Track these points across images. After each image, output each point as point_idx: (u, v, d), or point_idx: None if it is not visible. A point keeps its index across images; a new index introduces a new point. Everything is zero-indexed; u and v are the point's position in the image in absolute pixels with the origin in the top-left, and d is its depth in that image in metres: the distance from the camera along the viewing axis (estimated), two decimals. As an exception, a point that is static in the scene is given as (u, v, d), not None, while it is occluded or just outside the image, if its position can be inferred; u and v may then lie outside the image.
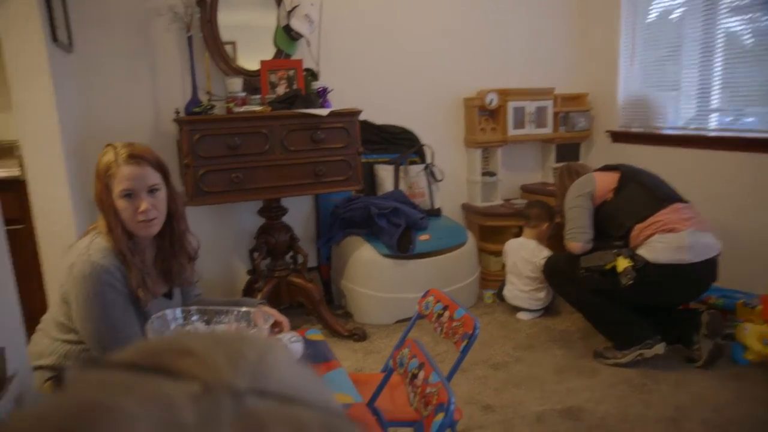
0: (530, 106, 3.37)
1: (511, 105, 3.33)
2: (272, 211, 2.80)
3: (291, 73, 2.84)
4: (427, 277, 2.81)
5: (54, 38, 2.22)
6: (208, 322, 1.46)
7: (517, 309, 2.99)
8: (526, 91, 3.37)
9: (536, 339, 2.71)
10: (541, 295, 2.94)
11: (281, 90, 2.79)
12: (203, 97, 2.74)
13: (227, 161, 2.48)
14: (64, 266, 1.51)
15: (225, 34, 2.86)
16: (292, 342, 1.28)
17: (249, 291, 2.94)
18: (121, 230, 1.53)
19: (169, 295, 1.66)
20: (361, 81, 3.17)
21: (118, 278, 1.50)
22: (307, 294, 2.83)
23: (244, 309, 1.46)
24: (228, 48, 2.90)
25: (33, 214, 2.14)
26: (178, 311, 1.44)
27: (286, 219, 2.87)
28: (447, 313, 1.59)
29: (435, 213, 3.22)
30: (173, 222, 1.63)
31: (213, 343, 0.29)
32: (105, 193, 1.52)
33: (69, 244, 1.55)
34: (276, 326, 1.57)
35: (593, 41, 3.59)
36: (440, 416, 1.07)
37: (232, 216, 3.08)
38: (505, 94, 3.32)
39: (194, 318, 1.45)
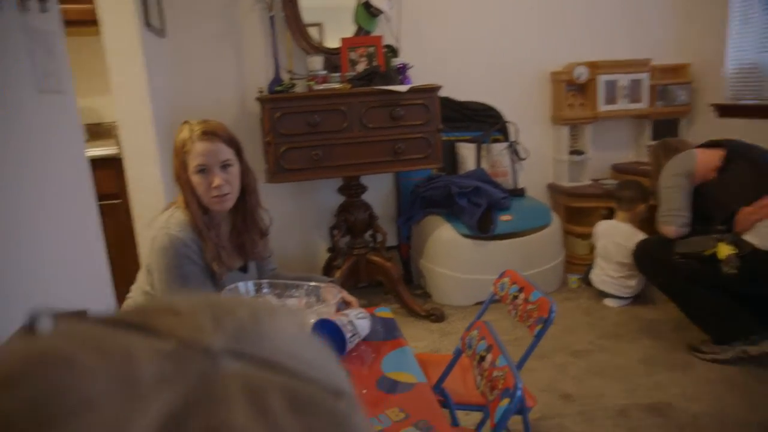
0: (623, 80, 3.14)
1: (602, 79, 3.11)
2: (352, 189, 2.82)
3: (371, 50, 2.82)
4: (509, 258, 2.72)
5: (147, 23, 2.33)
6: (279, 296, 1.48)
7: (605, 295, 2.83)
8: (619, 63, 3.14)
9: (623, 328, 2.56)
10: (632, 282, 2.76)
11: (361, 67, 2.78)
12: (285, 76, 2.79)
13: (307, 139, 2.51)
14: (148, 239, 1.60)
15: (307, 16, 2.89)
16: (358, 318, 1.28)
17: (328, 268, 3.00)
18: (197, 205, 1.59)
19: (244, 269, 1.71)
20: (442, 56, 3.09)
21: (195, 251, 1.56)
22: (386, 272, 2.83)
23: (313, 284, 1.48)
24: (314, 30, 2.92)
25: (128, 190, 2.29)
26: (250, 284, 1.47)
27: (365, 197, 2.88)
28: (522, 296, 1.52)
29: (518, 193, 3.10)
30: (246, 197, 1.67)
31: (205, 305, 0.28)
32: (181, 169, 1.58)
33: (151, 218, 1.62)
34: (346, 305, 1.58)
35: (696, 5, 3.28)
36: (505, 401, 1.02)
37: (314, 194, 3.13)
38: (595, 67, 3.11)
39: (265, 291, 1.48)
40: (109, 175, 2.36)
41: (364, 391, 1.10)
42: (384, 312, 1.47)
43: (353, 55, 2.83)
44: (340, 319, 1.24)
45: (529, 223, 2.87)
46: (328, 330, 1.23)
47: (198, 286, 1.53)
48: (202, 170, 1.55)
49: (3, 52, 1.07)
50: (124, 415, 0.20)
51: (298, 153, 2.53)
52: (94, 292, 1.45)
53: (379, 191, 3.16)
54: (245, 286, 1.46)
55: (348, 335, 1.21)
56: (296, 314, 0.32)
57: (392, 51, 2.90)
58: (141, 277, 1.66)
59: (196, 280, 1.55)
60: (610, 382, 2.11)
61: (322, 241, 3.20)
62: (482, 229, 2.77)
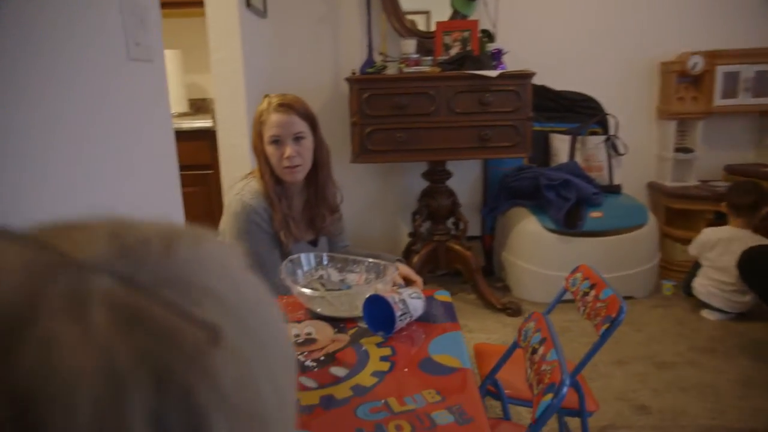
0: (747, 71, 2.83)
1: (721, 70, 2.83)
2: (436, 175, 2.79)
3: (465, 34, 2.76)
4: (596, 257, 2.56)
5: (247, 4, 2.44)
6: (340, 270, 1.50)
7: (704, 306, 2.59)
8: (744, 52, 2.83)
9: (720, 343, 2.33)
10: (746, 298, 2.47)
11: (455, 52, 2.73)
12: (378, 59, 2.80)
13: (393, 121, 2.52)
14: (225, 204, 1.68)
15: (412, 4, 2.88)
16: (411, 297, 1.26)
17: (407, 253, 2.99)
18: (270, 175, 1.64)
19: (314, 243, 1.75)
20: (541, 43, 2.96)
21: (265, 219, 1.62)
22: (464, 261, 2.79)
23: (372, 260, 1.48)
24: (420, 18, 2.92)
25: (219, 161, 2.42)
26: (311, 256, 1.50)
27: (450, 184, 2.84)
28: (593, 292, 1.43)
29: (613, 189, 2.91)
30: (318, 171, 1.70)
31: (113, 224, 0.28)
32: (258, 140, 1.64)
33: (230, 185, 1.70)
34: (409, 283, 1.57)
35: None
36: (548, 397, 0.96)
37: (399, 178, 3.14)
38: (713, 57, 2.83)
39: (326, 263, 1.50)
40: (204, 146, 2.51)
41: (405, 370, 1.09)
42: (443, 296, 1.45)
43: (447, 40, 2.79)
44: (392, 296, 1.23)
45: (622, 221, 2.69)
46: (379, 306, 1.22)
47: (264, 253, 1.59)
48: (276, 141, 1.60)
49: (97, 20, 1.16)
50: None
51: (383, 135, 2.54)
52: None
53: (465, 179, 3.10)
54: (306, 258, 1.49)
55: (398, 313, 1.20)
56: (233, 248, 0.32)
57: (488, 36, 2.82)
58: (222, 244, 1.74)
59: (264, 247, 1.61)
60: (694, 400, 1.93)
61: (404, 225, 3.20)
62: (569, 224, 2.64)
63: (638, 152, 3.04)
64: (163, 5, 2.62)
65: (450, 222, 2.89)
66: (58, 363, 0.20)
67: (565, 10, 2.97)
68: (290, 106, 1.62)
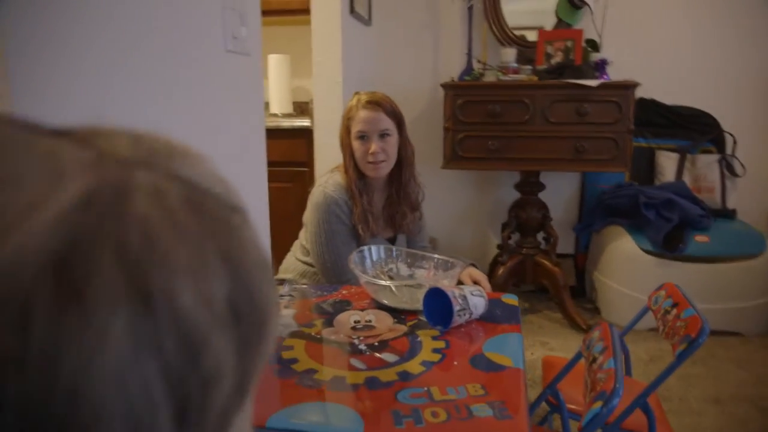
0: None
1: None
2: (528, 186, 2.72)
3: (569, 44, 2.68)
4: (697, 284, 2.36)
5: (351, 11, 2.54)
6: (410, 265, 1.52)
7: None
8: None
9: (841, 393, 2.05)
10: None
11: (556, 62, 2.66)
12: (477, 67, 2.80)
13: (486, 128, 2.50)
14: (309, 196, 1.75)
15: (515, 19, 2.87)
16: (473, 294, 1.24)
17: (494, 264, 2.94)
18: (354, 169, 1.69)
19: (392, 240, 1.77)
20: (651, 54, 2.80)
21: (345, 211, 1.67)
22: (552, 277, 2.68)
23: (442, 257, 1.48)
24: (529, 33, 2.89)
25: (315, 159, 2.53)
26: (382, 249, 1.53)
27: (544, 197, 2.76)
28: (674, 311, 1.33)
29: (726, 214, 2.68)
30: (402, 169, 1.73)
31: (125, 130, 0.31)
32: (345, 134, 1.70)
33: (317, 178, 1.78)
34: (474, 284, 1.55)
35: None
36: (598, 404, 0.91)
37: (492, 188, 3.10)
38: None
39: (396, 257, 1.53)
40: (301, 144, 2.64)
41: (455, 363, 1.08)
42: (510, 299, 1.41)
43: (549, 49, 2.72)
44: (452, 291, 1.22)
45: (732, 248, 2.47)
46: (439, 299, 1.22)
47: (341, 245, 1.65)
48: (362, 137, 1.66)
49: (199, 12, 1.27)
50: (45, 191, 0.22)
51: (474, 141, 2.53)
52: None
53: (560, 193, 2.99)
54: (377, 250, 1.52)
55: (456, 308, 1.20)
56: (207, 158, 0.35)
57: (593, 46, 2.72)
58: (301, 233, 1.83)
59: (341, 239, 1.66)
60: (800, 450, 1.72)
61: (494, 236, 3.15)
62: (669, 246, 2.46)
63: (758, 175, 2.77)
64: (275, 12, 2.82)
65: (540, 236, 2.80)
66: (156, 240, 0.23)
67: (678, 20, 2.79)
68: (378, 103, 1.67)
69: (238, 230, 0.28)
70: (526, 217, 2.72)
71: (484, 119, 2.49)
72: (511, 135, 2.48)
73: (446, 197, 3.14)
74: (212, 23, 1.32)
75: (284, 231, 1.85)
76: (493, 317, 1.29)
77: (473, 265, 1.66)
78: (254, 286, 0.26)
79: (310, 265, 1.76)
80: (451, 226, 3.18)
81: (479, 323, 1.26)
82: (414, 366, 1.07)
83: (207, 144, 1.32)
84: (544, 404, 1.41)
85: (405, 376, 1.03)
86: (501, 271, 2.69)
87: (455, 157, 2.56)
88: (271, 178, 2.60)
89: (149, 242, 0.22)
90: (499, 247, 2.98)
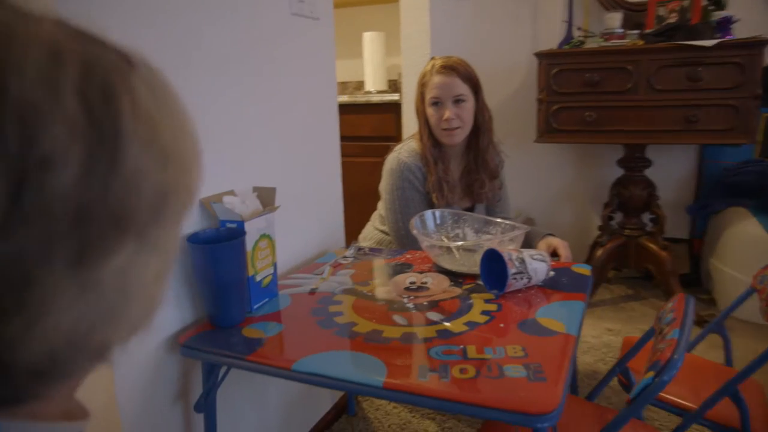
0: None
1: None
2: (633, 162, 2.49)
3: (685, 3, 2.40)
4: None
5: (443, -21, 2.48)
6: (477, 231, 1.46)
7: None
8: None
9: None
10: None
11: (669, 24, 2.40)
12: (577, 34, 2.61)
13: (582, 98, 2.33)
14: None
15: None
16: (533, 258, 1.16)
17: (594, 246, 2.74)
18: (428, 136, 1.65)
19: (470, 210, 1.71)
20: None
21: (418, 178, 1.63)
22: (658, 262, 2.45)
23: (509, 222, 1.40)
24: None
25: (403, 133, 2.51)
26: (447, 213, 1.48)
27: (652, 175, 2.52)
28: (779, 290, 1.14)
29: None
30: (479, 136, 1.66)
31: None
32: (420, 101, 1.66)
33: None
34: (554, 254, 1.45)
35: None
36: (649, 375, 0.80)
37: (594, 165, 2.89)
38: None
39: (461, 221, 1.47)
40: (390, 119, 2.63)
41: (501, 325, 1.01)
42: (581, 268, 1.30)
43: (662, 11, 2.46)
44: (508, 253, 1.15)
45: None
46: (496, 262, 1.15)
47: (417, 211, 1.61)
48: (436, 103, 1.61)
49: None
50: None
51: (570, 113, 2.36)
52: (332, 225, 1.66)
53: (670, 170, 2.72)
54: (441, 214, 1.47)
55: (512, 270, 1.12)
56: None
57: (716, 3, 2.41)
58: (379, 203, 1.82)
59: (416, 206, 1.63)
60: None
61: (596, 216, 2.93)
62: (800, 229, 2.13)
63: None
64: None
65: (647, 217, 2.56)
66: (19, 38, 0.26)
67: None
68: (453, 68, 1.62)
69: (125, 76, 0.29)
70: (629, 196, 2.49)
71: (580, 89, 2.32)
72: (610, 105, 2.29)
73: (544, 174, 2.98)
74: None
75: (374, 205, 1.85)
76: (558, 285, 1.20)
77: (550, 234, 1.55)
78: (111, 95, 0.28)
79: (387, 233, 1.75)
80: (549, 206, 3.02)
81: (540, 289, 1.18)
82: (457, 325, 1.02)
83: (273, 111, 1.35)
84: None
85: (444, 334, 0.98)
86: (599, 252, 2.50)
87: (549, 129, 2.41)
88: (361, 152, 2.63)
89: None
90: (600, 228, 2.77)
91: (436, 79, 1.61)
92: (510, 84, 2.95)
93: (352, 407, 1.68)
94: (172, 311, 1.05)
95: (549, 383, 0.79)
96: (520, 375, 0.82)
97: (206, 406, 1.05)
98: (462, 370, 0.85)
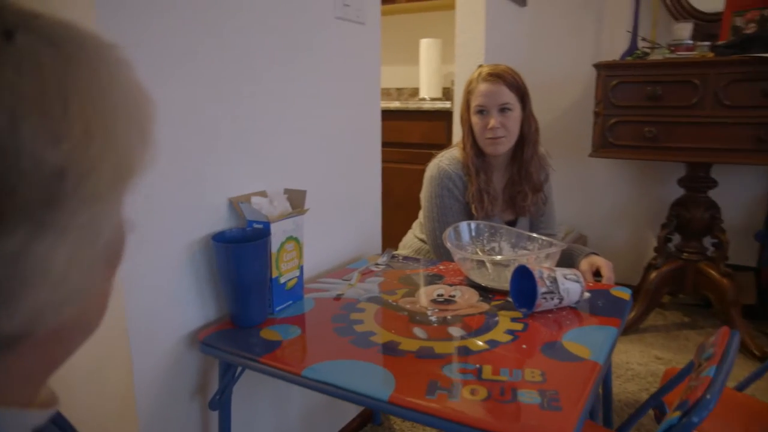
0: None
1: None
2: (696, 181, 2.35)
3: (766, 13, 2.25)
4: None
5: (501, -12, 2.43)
6: (513, 246, 1.41)
7: None
8: None
9: None
10: None
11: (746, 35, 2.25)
12: (642, 45, 2.49)
13: (642, 113, 2.21)
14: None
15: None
16: (567, 278, 1.10)
17: (647, 268, 2.60)
18: (472, 145, 1.61)
19: (512, 224, 1.65)
20: None
21: (458, 186, 1.60)
22: (718, 290, 2.29)
23: (548, 239, 1.34)
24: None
25: (453, 141, 2.47)
26: (483, 226, 1.44)
27: (715, 196, 2.36)
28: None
29: None
30: (523, 147, 1.60)
31: None
32: (465, 109, 1.63)
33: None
34: (597, 274, 1.38)
35: None
36: (675, 414, 0.74)
37: (653, 184, 2.74)
38: None
39: (498, 234, 1.42)
40: (440, 126, 2.59)
41: (524, 347, 0.96)
42: (621, 291, 1.22)
43: (739, 21, 2.31)
44: (540, 271, 1.09)
45: None
46: (527, 280, 1.10)
47: (455, 220, 1.58)
48: (481, 111, 1.57)
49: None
50: None
51: (628, 127, 2.25)
52: (370, 232, 1.65)
53: (738, 193, 2.54)
54: (477, 227, 1.43)
55: (542, 289, 1.07)
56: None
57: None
58: (421, 211, 1.79)
59: (454, 215, 1.59)
60: None
61: (652, 237, 2.79)
62: None
63: None
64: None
65: (708, 241, 2.40)
66: None
67: None
68: (499, 76, 1.57)
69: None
70: (689, 218, 2.35)
71: (640, 102, 2.20)
72: (672, 121, 2.16)
73: (598, 191, 2.87)
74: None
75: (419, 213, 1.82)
76: (593, 308, 1.14)
77: (593, 253, 1.48)
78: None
79: (426, 242, 1.72)
80: (602, 223, 2.89)
81: (573, 311, 1.11)
82: (476, 343, 0.98)
83: (313, 115, 1.35)
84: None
85: (462, 352, 0.94)
86: (653, 275, 2.37)
87: (605, 144, 2.30)
88: (409, 159, 2.61)
89: None
90: (657, 249, 2.63)
91: (482, 86, 1.57)
92: (567, 96, 2.85)
93: (377, 416, 1.65)
94: (194, 308, 1.06)
95: (563, 413, 0.74)
96: (533, 401, 0.77)
97: (221, 404, 1.05)
98: (473, 391, 0.81)
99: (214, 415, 1.10)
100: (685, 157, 2.24)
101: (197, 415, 1.09)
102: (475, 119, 1.60)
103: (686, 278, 2.38)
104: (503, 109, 1.55)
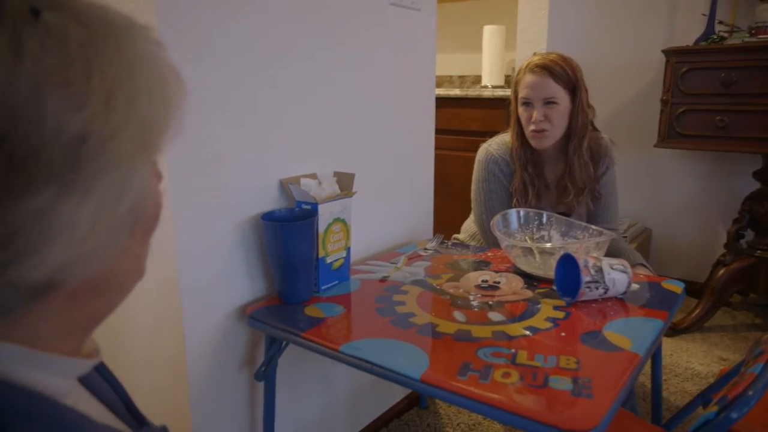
0: None
1: None
2: (772, 175, 2.21)
3: None
4: None
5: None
6: (563, 234, 1.39)
7: None
8: None
9: None
10: None
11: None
12: (719, 29, 2.35)
13: (714, 101, 2.10)
14: None
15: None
16: (613, 268, 1.07)
17: (716, 265, 2.47)
18: (518, 137, 1.59)
19: (566, 215, 1.62)
20: None
21: (504, 171, 1.58)
22: (794, 291, 2.15)
23: (598, 229, 1.31)
24: None
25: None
26: (530, 212, 1.42)
27: (795, 190, 2.21)
28: None
29: None
30: (572, 140, 1.56)
31: None
32: (513, 99, 1.60)
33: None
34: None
35: None
36: (712, 409, 0.71)
37: (725, 175, 2.59)
38: None
39: (547, 222, 1.40)
40: (499, 114, 2.56)
41: (563, 334, 0.96)
42: (672, 285, 1.18)
43: (831, 2, 2.14)
44: (584, 260, 1.08)
45: None
46: (571, 269, 1.09)
47: (501, 205, 1.57)
48: (526, 103, 1.54)
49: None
50: None
51: (698, 116, 2.14)
52: (422, 217, 1.66)
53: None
54: (525, 214, 1.42)
55: (585, 278, 1.05)
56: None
57: None
58: (472, 195, 1.78)
59: (500, 200, 1.58)
60: None
61: (723, 232, 2.64)
62: None
63: None
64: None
65: (785, 238, 2.26)
66: None
67: None
68: (546, 67, 1.52)
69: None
70: (763, 213, 2.22)
71: (712, 90, 2.09)
72: (747, 109, 2.04)
73: (665, 183, 2.74)
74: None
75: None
76: (641, 300, 1.11)
77: (643, 264, 1.44)
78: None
79: (481, 227, 1.72)
80: (669, 217, 2.76)
81: (619, 302, 1.09)
82: (515, 329, 0.98)
83: (366, 101, 1.37)
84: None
85: (499, 336, 0.95)
86: (721, 272, 2.26)
87: (672, 134, 2.20)
88: (468, 146, 2.59)
89: None
90: (726, 245, 2.49)
91: (528, 78, 1.53)
92: (634, 83, 2.74)
93: (424, 400, 1.68)
94: (244, 284, 1.12)
95: (594, 401, 0.74)
96: (564, 388, 0.77)
97: (266, 375, 1.10)
98: (504, 374, 0.81)
99: (260, 387, 1.16)
100: (759, 148, 2.11)
101: (245, 386, 1.15)
102: (521, 110, 1.57)
103: (759, 277, 2.25)
104: (548, 102, 1.51)
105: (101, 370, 0.51)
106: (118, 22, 0.35)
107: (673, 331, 2.19)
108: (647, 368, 1.21)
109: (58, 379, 0.39)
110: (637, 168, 2.75)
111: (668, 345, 2.10)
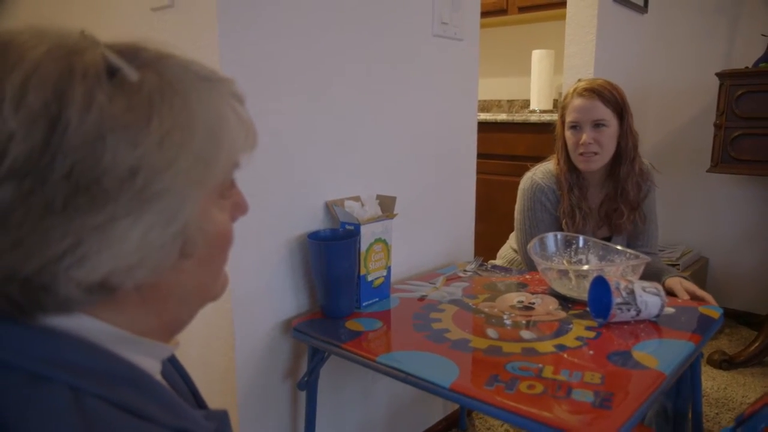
0: None
1: None
2: (836, 201, 2.13)
3: None
4: None
5: (617, -2, 2.38)
6: (601, 258, 1.41)
7: None
8: None
9: None
10: None
11: None
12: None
13: (770, 125, 2.06)
14: None
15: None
16: (645, 291, 1.09)
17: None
18: (565, 161, 1.62)
19: (608, 241, 1.63)
20: None
21: (551, 200, 1.61)
22: None
23: (635, 253, 1.32)
24: None
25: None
26: (568, 236, 1.45)
27: None
28: None
29: None
30: (620, 163, 1.57)
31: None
32: (560, 124, 1.64)
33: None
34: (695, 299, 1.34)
35: None
36: (731, 425, 0.73)
37: (789, 202, 2.50)
38: None
39: (583, 246, 1.42)
40: (547, 139, 2.57)
41: (591, 353, 0.98)
42: (709, 310, 1.18)
43: None
44: (616, 282, 1.10)
45: None
46: (604, 290, 1.11)
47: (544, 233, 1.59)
48: (575, 126, 1.58)
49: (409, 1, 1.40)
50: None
51: (753, 141, 2.10)
52: (463, 238, 1.72)
53: None
54: (564, 238, 1.44)
55: (617, 300, 1.07)
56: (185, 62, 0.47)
57: None
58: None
59: (546, 228, 1.61)
60: None
61: (786, 263, 2.54)
62: None
63: None
64: (539, 7, 2.83)
65: None
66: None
67: None
68: (595, 91, 1.56)
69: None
70: (827, 240, 2.13)
71: (768, 114, 2.05)
72: (807, 133, 1.98)
73: (722, 209, 2.66)
74: (422, 8, 1.44)
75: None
76: (675, 323, 1.11)
77: (683, 276, 1.43)
78: (62, 94, 0.36)
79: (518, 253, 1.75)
80: (728, 246, 2.68)
81: (652, 325, 1.10)
82: (545, 346, 1.01)
83: (410, 127, 1.45)
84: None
85: (528, 352, 0.98)
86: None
87: (726, 158, 2.16)
88: (514, 171, 2.61)
89: None
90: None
91: (577, 102, 1.57)
92: (687, 107, 2.70)
93: (463, 422, 1.70)
94: (290, 298, 1.20)
95: (613, 412, 0.77)
96: (585, 400, 0.80)
97: (308, 385, 1.18)
98: (530, 386, 0.85)
99: (303, 397, 1.23)
100: (820, 174, 2.04)
101: (287, 395, 1.23)
102: (568, 134, 1.60)
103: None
104: (597, 125, 1.54)
105: (171, 359, 0.60)
106: (194, 75, 0.43)
107: (729, 364, 2.11)
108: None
109: (151, 360, 0.48)
110: (691, 194, 2.70)
111: (723, 378, 2.04)
